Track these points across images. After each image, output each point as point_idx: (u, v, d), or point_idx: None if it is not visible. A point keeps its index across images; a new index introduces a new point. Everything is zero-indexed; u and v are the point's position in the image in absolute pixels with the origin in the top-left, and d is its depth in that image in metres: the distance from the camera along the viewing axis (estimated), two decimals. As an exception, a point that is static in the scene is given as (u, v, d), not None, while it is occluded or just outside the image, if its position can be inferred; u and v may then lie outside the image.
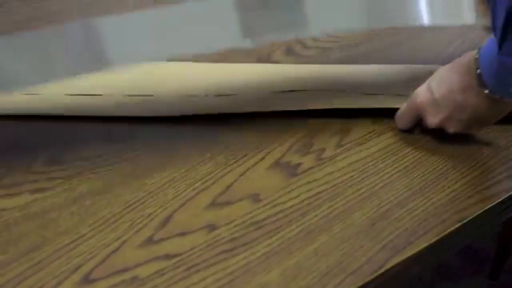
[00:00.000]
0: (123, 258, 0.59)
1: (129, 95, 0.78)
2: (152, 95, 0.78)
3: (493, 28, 0.61)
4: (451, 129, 0.70)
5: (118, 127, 0.76)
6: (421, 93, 0.71)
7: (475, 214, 0.64)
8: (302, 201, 0.65)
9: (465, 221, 0.63)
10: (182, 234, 0.61)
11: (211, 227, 0.62)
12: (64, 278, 0.57)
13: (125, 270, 0.58)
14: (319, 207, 0.64)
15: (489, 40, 0.64)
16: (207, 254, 0.59)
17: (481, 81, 0.64)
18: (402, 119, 0.74)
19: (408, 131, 0.74)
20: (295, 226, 0.62)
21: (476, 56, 0.65)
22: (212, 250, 0.60)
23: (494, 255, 1.51)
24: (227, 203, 0.65)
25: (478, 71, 0.64)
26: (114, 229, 0.62)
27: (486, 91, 0.64)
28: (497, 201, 0.65)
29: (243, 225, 0.62)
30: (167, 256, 0.59)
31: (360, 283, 0.56)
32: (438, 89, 0.69)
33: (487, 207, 0.65)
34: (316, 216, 0.63)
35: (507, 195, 0.66)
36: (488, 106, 0.66)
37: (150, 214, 0.64)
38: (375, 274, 0.57)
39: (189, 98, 0.77)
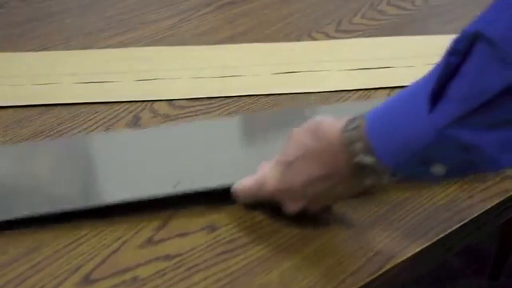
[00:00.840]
0: (124, 259, 0.59)
1: None
2: None
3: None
4: (312, 210, 0.60)
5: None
6: (272, 179, 0.59)
7: (475, 215, 0.64)
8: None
9: (465, 221, 0.63)
10: (183, 234, 0.61)
11: (211, 228, 0.62)
12: (64, 279, 0.57)
13: (125, 270, 0.58)
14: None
15: (383, 107, 0.52)
16: (207, 255, 0.59)
17: (365, 162, 0.52)
18: (245, 197, 0.63)
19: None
20: (295, 226, 0.62)
21: (356, 129, 0.52)
22: (212, 250, 0.60)
23: (495, 256, 1.51)
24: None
25: (362, 155, 0.52)
26: (114, 230, 0.62)
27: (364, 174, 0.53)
28: (497, 202, 0.65)
29: (243, 225, 0.62)
30: (168, 257, 0.59)
31: (360, 284, 0.56)
32: (293, 178, 0.57)
33: (488, 208, 0.65)
34: (315, 217, 0.63)
35: (508, 195, 0.66)
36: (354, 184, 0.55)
37: (150, 215, 0.64)
38: (375, 275, 0.57)
39: None
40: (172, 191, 0.64)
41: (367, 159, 0.51)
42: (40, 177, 0.68)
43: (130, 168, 0.68)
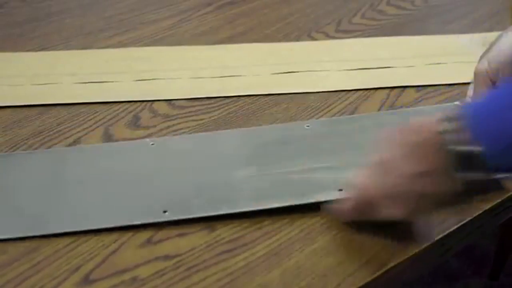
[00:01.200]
0: (123, 259, 0.59)
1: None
2: None
3: None
4: (412, 216, 0.59)
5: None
6: (375, 183, 0.57)
7: (475, 215, 0.64)
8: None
9: (465, 221, 0.63)
10: (182, 234, 0.61)
11: (211, 228, 0.62)
12: (64, 279, 0.57)
13: (125, 270, 0.57)
14: (319, 208, 0.64)
15: (485, 100, 0.54)
16: (207, 255, 0.59)
17: (467, 151, 0.52)
18: (348, 213, 0.61)
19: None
20: (294, 226, 0.62)
21: (454, 121, 0.52)
22: (212, 250, 0.60)
23: (494, 256, 1.51)
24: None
25: (461, 148, 0.52)
26: (113, 230, 0.62)
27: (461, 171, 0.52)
28: (496, 202, 0.65)
29: (243, 225, 0.62)
30: (167, 257, 0.59)
31: (360, 284, 0.56)
32: (395, 178, 0.56)
33: (487, 208, 0.65)
34: (316, 216, 0.63)
35: (507, 195, 0.66)
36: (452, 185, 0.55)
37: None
38: (375, 275, 0.57)
39: None
40: (161, 219, 0.63)
41: (471, 148, 0.52)
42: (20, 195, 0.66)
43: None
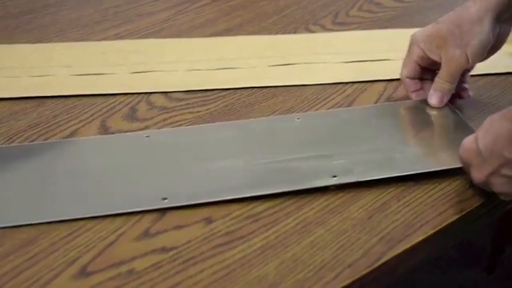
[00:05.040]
0: (120, 251, 0.59)
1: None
2: None
3: None
4: (496, 187, 0.61)
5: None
6: (466, 143, 0.62)
7: (472, 207, 0.64)
8: (299, 193, 0.65)
9: (462, 214, 0.63)
10: (179, 227, 0.61)
11: (208, 220, 0.62)
12: (60, 271, 0.57)
13: (121, 263, 0.57)
14: (316, 200, 0.64)
15: None
16: (203, 247, 0.59)
17: None
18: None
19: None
20: (291, 219, 0.62)
21: None
22: (208, 243, 0.60)
23: (491, 248, 1.52)
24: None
25: None
26: (110, 222, 0.62)
27: None
28: (494, 194, 0.65)
29: (240, 218, 0.62)
30: (164, 249, 0.59)
31: (357, 276, 0.56)
32: (483, 139, 0.60)
33: (484, 200, 0.65)
34: (312, 209, 0.63)
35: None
36: None
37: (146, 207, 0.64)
38: (372, 267, 0.57)
39: None
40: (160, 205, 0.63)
41: None
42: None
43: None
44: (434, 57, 0.74)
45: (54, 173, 0.68)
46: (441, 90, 0.75)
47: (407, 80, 0.78)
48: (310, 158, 0.69)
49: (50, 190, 0.66)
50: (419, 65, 0.76)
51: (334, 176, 0.65)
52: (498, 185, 0.61)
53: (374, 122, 0.75)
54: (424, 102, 0.77)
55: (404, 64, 0.77)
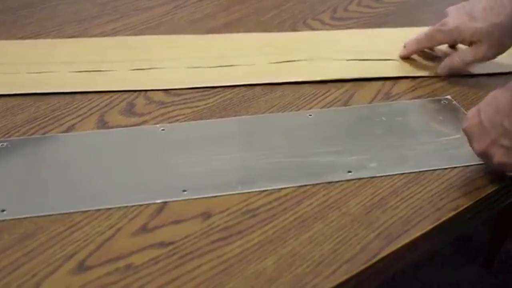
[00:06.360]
0: (118, 246, 0.59)
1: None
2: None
3: None
4: (495, 157, 0.62)
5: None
6: (470, 116, 0.64)
7: (470, 203, 0.64)
8: (297, 189, 0.65)
9: (460, 209, 0.63)
10: (177, 221, 0.61)
11: (206, 215, 0.62)
12: (58, 266, 0.57)
13: (119, 257, 0.57)
14: (314, 195, 0.64)
15: None
16: (201, 242, 0.59)
17: None
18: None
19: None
20: (290, 214, 0.62)
21: None
22: (207, 238, 0.60)
23: (488, 244, 1.52)
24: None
25: None
26: (108, 217, 0.62)
27: None
28: (491, 190, 0.66)
29: (238, 213, 0.62)
30: (162, 244, 0.59)
31: (355, 272, 0.57)
32: (485, 111, 0.62)
33: (482, 196, 0.65)
34: (311, 204, 0.63)
35: (502, 184, 0.66)
36: None
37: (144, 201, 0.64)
38: (370, 263, 0.57)
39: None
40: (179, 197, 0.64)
41: None
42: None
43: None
44: (464, 44, 0.82)
45: (71, 165, 0.69)
46: (456, 68, 0.82)
47: (412, 50, 0.87)
48: (325, 153, 0.70)
49: (62, 181, 0.66)
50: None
51: (349, 172, 0.67)
52: (497, 156, 0.62)
53: (386, 120, 0.76)
54: (436, 101, 0.79)
55: (419, 42, 0.86)
